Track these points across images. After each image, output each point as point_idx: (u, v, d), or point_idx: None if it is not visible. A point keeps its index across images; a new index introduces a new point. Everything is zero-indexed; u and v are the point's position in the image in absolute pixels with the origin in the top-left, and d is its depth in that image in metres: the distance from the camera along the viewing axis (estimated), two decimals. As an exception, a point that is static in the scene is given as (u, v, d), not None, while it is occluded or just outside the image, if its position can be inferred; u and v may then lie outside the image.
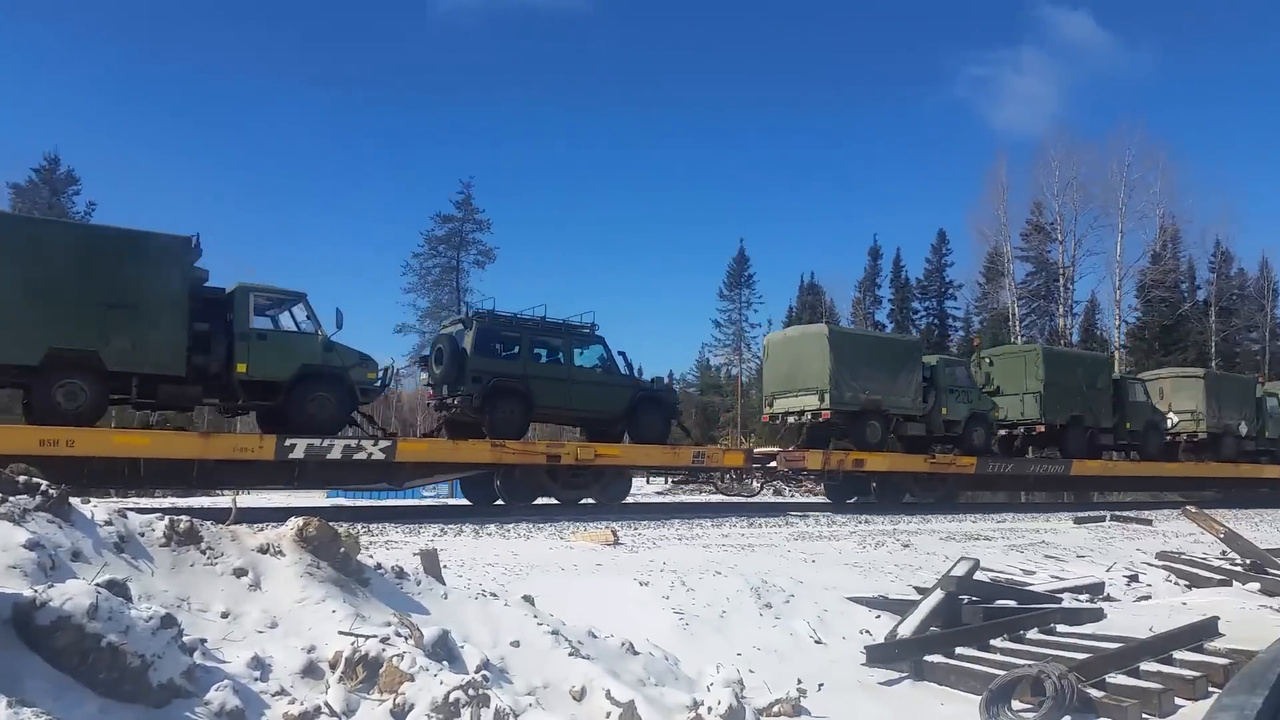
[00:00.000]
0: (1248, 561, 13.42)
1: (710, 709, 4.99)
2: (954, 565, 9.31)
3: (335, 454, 14.86)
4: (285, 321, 15.02)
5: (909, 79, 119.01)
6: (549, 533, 12.83)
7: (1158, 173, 50.28)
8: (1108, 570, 12.73)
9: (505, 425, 16.93)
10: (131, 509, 5.75)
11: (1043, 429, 23.37)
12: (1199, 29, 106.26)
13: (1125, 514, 20.14)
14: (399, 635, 5.32)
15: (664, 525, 14.80)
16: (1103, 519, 18.96)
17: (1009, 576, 11.54)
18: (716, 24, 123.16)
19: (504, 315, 17.78)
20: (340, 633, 5.25)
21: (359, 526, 12.25)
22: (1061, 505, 22.29)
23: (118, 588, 4.61)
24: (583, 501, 18.25)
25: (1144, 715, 6.01)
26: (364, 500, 25.87)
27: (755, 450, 22.01)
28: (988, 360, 24.74)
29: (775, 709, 5.92)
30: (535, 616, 6.05)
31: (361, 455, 15.16)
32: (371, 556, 6.60)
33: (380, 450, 15.39)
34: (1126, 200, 49.13)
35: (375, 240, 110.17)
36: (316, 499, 26.52)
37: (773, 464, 20.89)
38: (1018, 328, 50.96)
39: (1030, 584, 11.02)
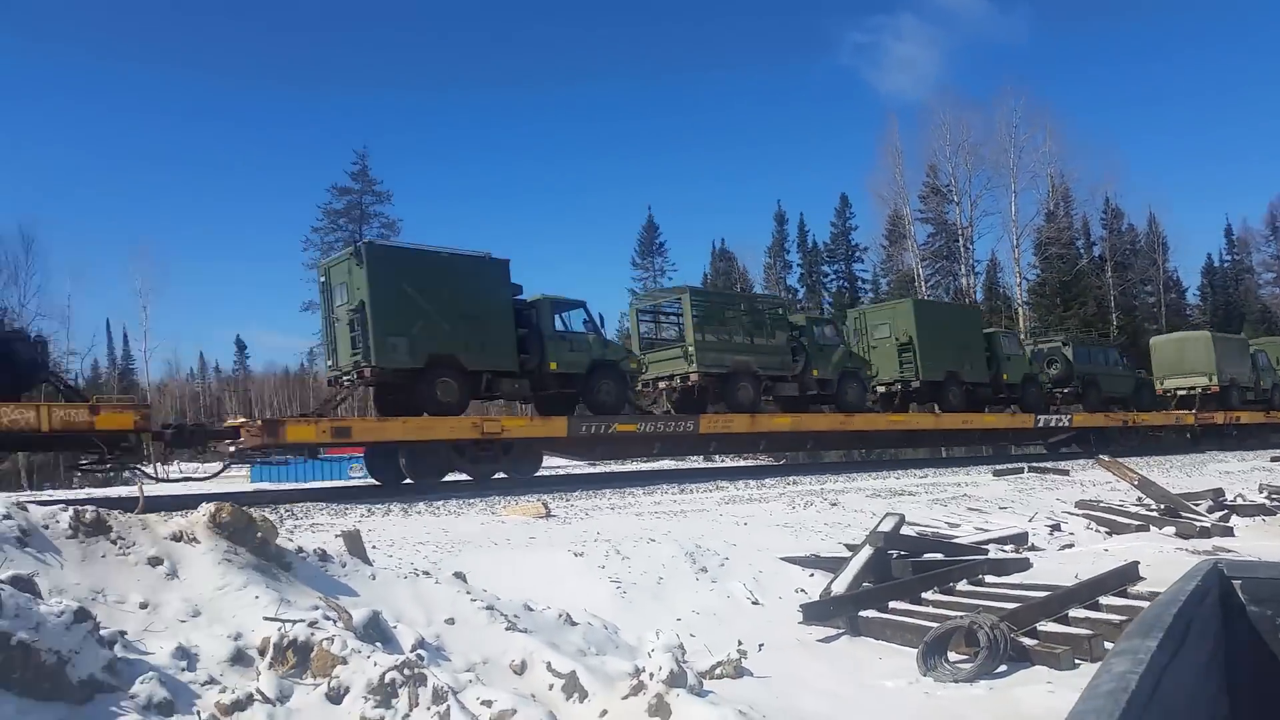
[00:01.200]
0: (1162, 507, 13.93)
1: (652, 675, 4.94)
2: (881, 521, 9.44)
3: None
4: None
5: (794, 47, 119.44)
6: (480, 508, 12.66)
7: (1046, 133, 50.78)
8: (1030, 520, 13.08)
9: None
10: (30, 501, 5.46)
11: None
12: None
13: (1043, 465, 20.78)
14: (327, 619, 5.17)
15: (596, 495, 14.73)
16: (1021, 470, 19.47)
17: (935, 530, 11.77)
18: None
19: None
20: (266, 618, 5.08)
21: (283, 510, 11.97)
22: (981, 459, 23.21)
23: (23, 583, 4.36)
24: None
25: (1076, 660, 6.16)
26: (288, 483, 25.30)
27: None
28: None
29: (718, 671, 5.91)
30: (469, 593, 5.94)
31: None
32: (292, 540, 6.39)
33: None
34: (1017, 161, 49.71)
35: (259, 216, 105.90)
36: (239, 484, 25.78)
37: None
38: (924, 288, 51.38)
39: (956, 537, 11.25)
